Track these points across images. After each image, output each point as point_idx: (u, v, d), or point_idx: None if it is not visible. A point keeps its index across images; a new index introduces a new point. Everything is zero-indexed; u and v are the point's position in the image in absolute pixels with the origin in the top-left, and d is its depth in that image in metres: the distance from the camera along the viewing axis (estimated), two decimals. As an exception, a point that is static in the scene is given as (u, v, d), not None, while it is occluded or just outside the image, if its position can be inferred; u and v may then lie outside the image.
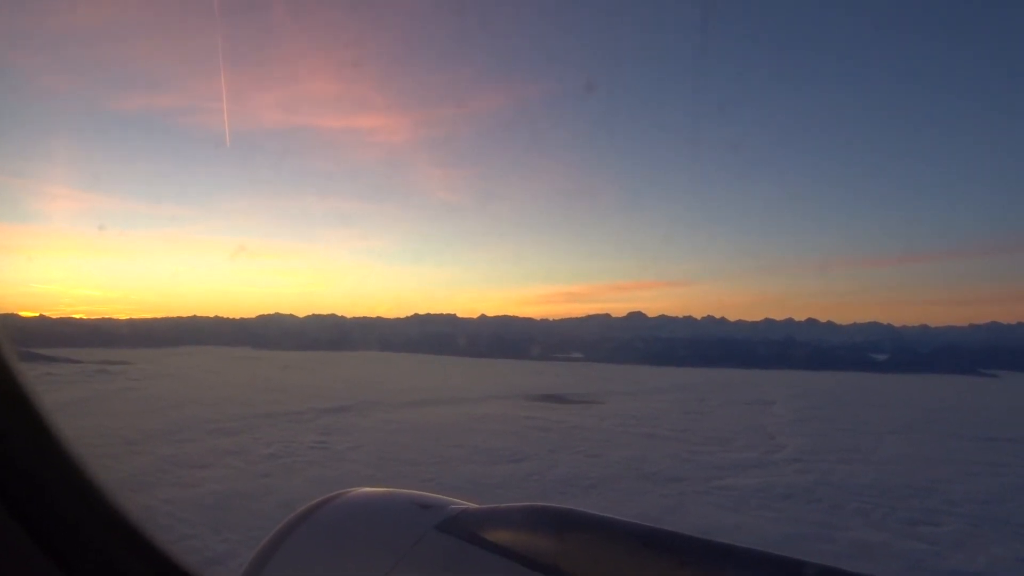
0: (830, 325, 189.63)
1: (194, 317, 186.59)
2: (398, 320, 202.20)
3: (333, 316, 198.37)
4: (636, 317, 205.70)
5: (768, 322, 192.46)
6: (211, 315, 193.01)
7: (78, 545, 1.19)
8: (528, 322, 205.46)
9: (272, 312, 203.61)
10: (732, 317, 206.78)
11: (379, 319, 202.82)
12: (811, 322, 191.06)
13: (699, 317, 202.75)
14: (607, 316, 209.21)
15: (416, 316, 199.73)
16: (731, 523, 18.30)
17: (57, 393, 41.71)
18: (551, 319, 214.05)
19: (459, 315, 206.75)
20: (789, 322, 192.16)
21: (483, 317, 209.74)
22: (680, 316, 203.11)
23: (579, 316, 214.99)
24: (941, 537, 17.54)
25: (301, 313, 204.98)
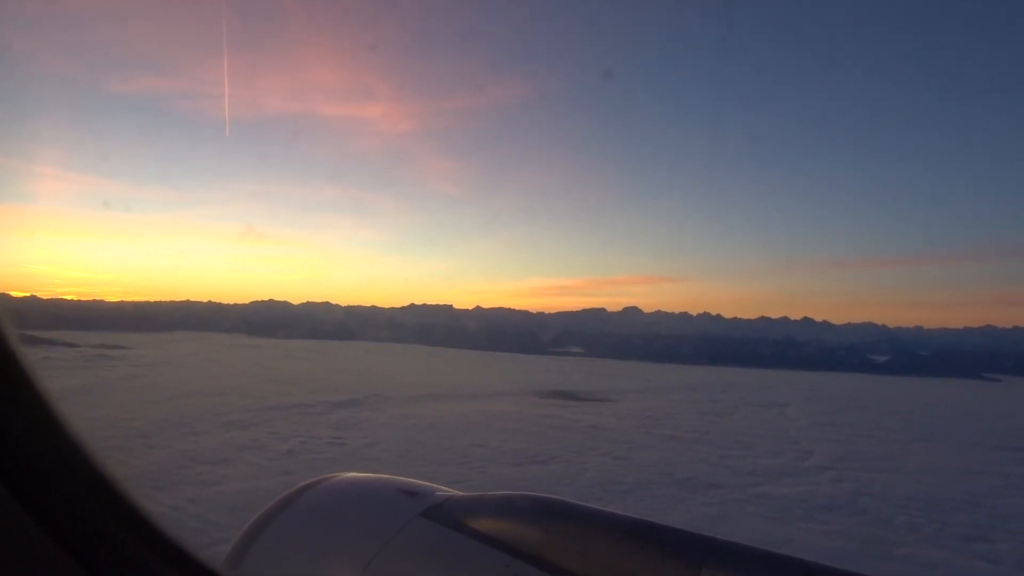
0: (826, 325, 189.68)
1: (187, 302, 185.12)
2: (394, 310, 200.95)
3: (327, 304, 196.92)
4: (631, 312, 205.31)
5: (764, 320, 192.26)
6: (204, 300, 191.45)
7: (89, 534, 1.15)
8: (524, 315, 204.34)
9: (266, 299, 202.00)
10: (728, 314, 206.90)
11: (374, 308, 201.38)
12: (807, 321, 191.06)
13: (695, 314, 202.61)
14: (602, 311, 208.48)
15: (413, 306, 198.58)
16: (780, 536, 17.64)
17: (59, 379, 40.65)
18: (546, 312, 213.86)
19: (455, 306, 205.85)
20: (785, 321, 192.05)
21: (479, 309, 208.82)
22: (676, 312, 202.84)
23: (574, 310, 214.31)
24: (1002, 555, 16.94)
25: (295, 300, 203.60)
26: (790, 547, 16.72)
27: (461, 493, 2.23)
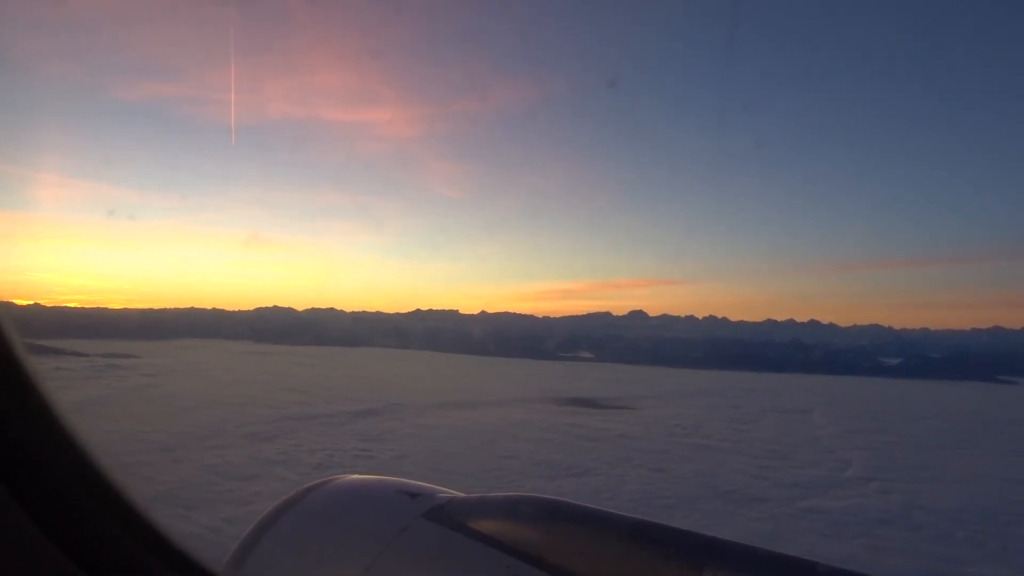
0: (833, 327, 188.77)
1: (192, 309, 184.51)
2: (399, 315, 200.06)
3: (332, 310, 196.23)
4: (637, 316, 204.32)
5: (771, 323, 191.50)
6: (209, 307, 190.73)
7: (91, 538, 1.17)
8: (530, 319, 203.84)
9: (270, 305, 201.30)
10: (733, 317, 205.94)
11: (379, 314, 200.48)
12: (814, 324, 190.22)
13: (701, 317, 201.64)
14: (608, 314, 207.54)
15: (418, 312, 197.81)
16: (841, 554, 17.00)
17: (73, 391, 40.01)
18: (552, 316, 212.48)
19: (461, 311, 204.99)
20: (791, 323, 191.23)
21: (483, 313, 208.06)
22: (682, 316, 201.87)
23: (580, 314, 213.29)
24: (1074, 574, 16.29)
25: (299, 307, 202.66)
26: (855, 566, 16.05)
27: (463, 494, 2.22)
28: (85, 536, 1.14)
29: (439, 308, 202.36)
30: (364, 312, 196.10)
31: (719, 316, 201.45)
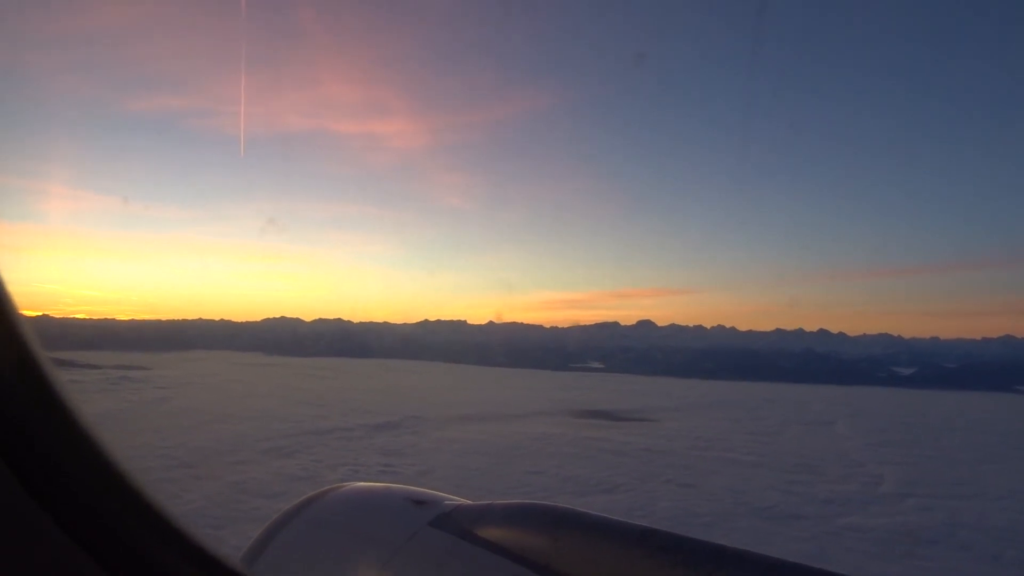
0: (842, 336, 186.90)
1: (200, 320, 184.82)
2: (406, 325, 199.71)
3: (339, 321, 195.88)
4: (646, 325, 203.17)
5: (780, 332, 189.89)
6: (216, 318, 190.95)
7: (106, 530, 1.16)
8: (538, 329, 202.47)
9: (278, 316, 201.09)
10: (741, 327, 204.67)
11: (386, 324, 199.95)
12: (823, 333, 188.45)
13: (709, 327, 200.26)
14: (616, 324, 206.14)
15: (426, 322, 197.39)
16: (892, 574, 16.44)
17: (89, 404, 39.58)
18: (560, 326, 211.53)
19: (469, 321, 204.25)
20: (801, 332, 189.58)
21: (491, 324, 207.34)
22: (690, 325, 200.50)
23: (588, 324, 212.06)
24: None
25: (307, 317, 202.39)
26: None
27: (469, 502, 2.20)
28: (100, 527, 1.11)
29: (447, 318, 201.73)
30: (372, 323, 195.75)
31: (727, 326, 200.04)
